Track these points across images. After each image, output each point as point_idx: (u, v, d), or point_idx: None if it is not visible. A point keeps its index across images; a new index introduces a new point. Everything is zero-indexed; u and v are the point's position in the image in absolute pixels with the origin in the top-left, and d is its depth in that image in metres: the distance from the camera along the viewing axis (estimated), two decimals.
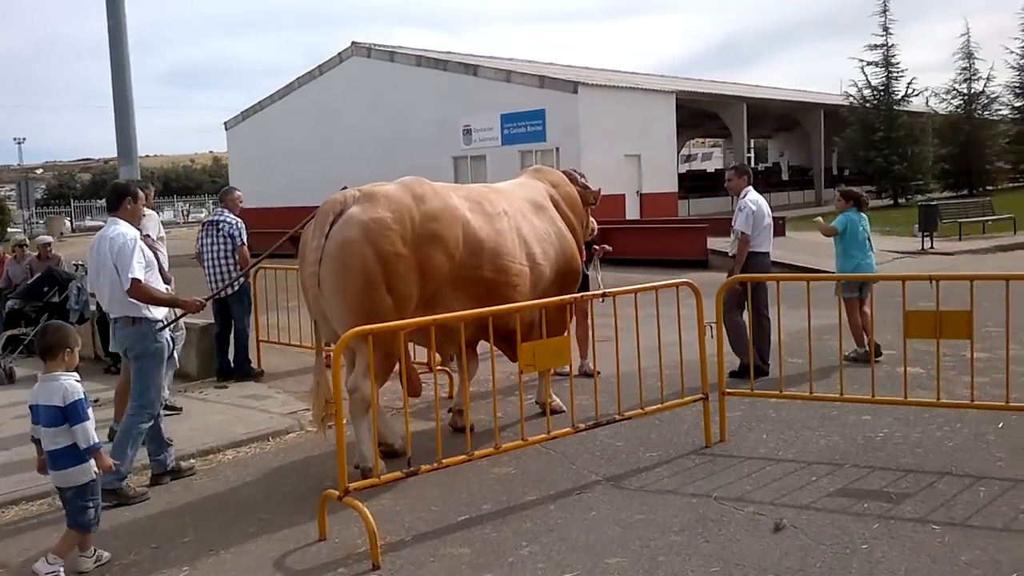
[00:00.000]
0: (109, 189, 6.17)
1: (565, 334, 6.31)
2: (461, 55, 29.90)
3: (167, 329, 5.99)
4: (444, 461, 5.03)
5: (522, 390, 5.92)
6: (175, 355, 6.15)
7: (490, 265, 6.17)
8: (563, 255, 6.88)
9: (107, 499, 5.50)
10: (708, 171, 46.85)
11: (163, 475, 5.92)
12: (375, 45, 28.97)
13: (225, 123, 33.93)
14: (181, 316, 5.84)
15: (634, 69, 43.25)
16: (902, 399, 5.89)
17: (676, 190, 27.34)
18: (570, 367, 6.47)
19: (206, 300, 5.97)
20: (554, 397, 7.18)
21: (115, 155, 9.57)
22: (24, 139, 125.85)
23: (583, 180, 7.81)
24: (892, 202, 32.59)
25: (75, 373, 4.63)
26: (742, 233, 7.93)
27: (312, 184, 25.58)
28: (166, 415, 6.26)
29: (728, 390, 6.32)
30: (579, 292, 8.82)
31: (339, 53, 29.52)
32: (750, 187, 8.19)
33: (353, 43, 29.09)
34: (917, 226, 19.79)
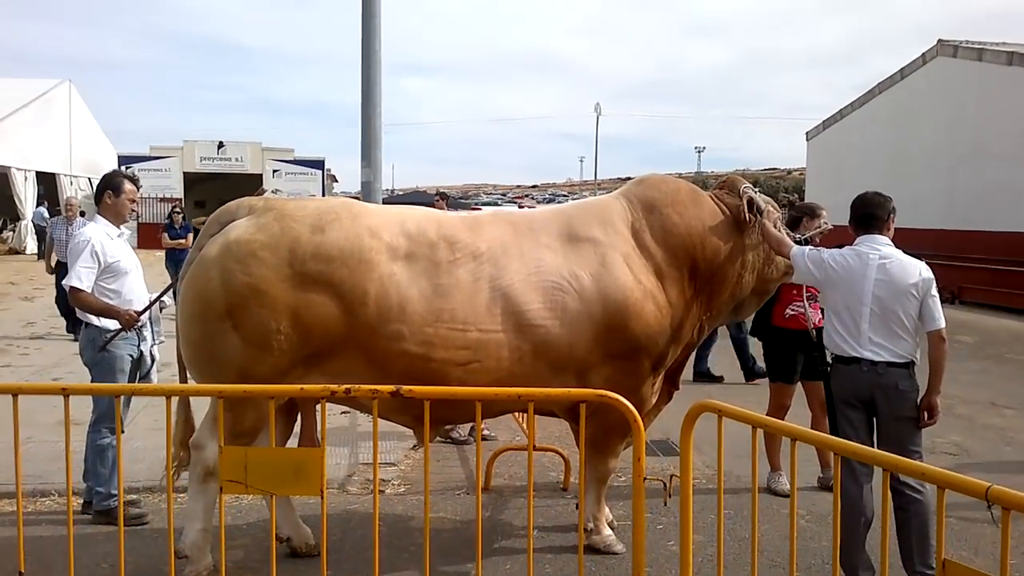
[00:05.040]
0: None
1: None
2: None
3: (147, 343, 5.52)
4: None
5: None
6: (152, 373, 5.60)
7: (416, 335, 4.42)
8: (602, 307, 4.68)
9: (100, 520, 5.30)
10: None
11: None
12: (964, 42, 24.26)
13: (806, 133, 31.98)
14: (115, 335, 5.26)
15: None
16: None
17: None
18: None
19: (139, 314, 5.32)
20: (604, 527, 4.98)
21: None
22: (704, 148, 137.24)
23: (749, 191, 5.19)
24: None
25: None
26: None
27: None
28: None
29: None
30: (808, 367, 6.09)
31: (923, 54, 25.46)
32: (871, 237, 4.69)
33: (939, 41, 24.76)
34: None
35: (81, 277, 5.19)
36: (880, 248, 4.59)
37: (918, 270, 4.50)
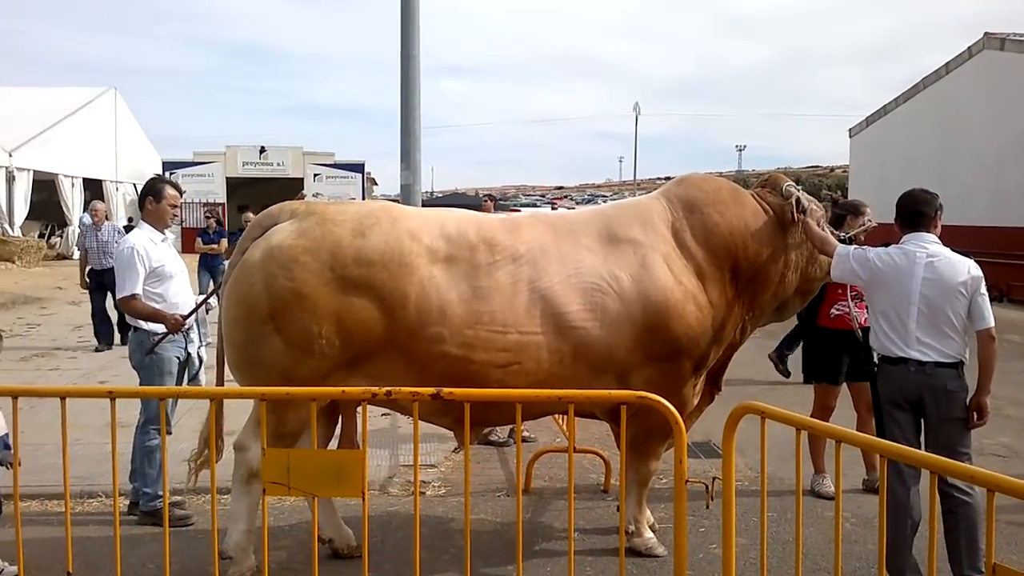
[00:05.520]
0: None
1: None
2: None
3: (194, 344, 5.60)
4: None
5: None
6: (200, 375, 5.69)
7: (456, 338, 4.43)
8: (642, 308, 4.65)
9: (146, 521, 5.39)
10: None
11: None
12: (1011, 35, 23.69)
13: (850, 130, 31.58)
14: (162, 338, 5.34)
15: None
16: None
17: None
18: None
19: (184, 317, 5.40)
20: (645, 530, 4.95)
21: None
22: (744, 146, 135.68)
23: (793, 190, 5.13)
24: None
25: None
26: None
27: None
28: None
29: None
30: (854, 367, 5.97)
31: (969, 47, 24.96)
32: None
33: (986, 34, 24.22)
34: None
35: (132, 285, 5.30)
36: (927, 246, 4.52)
37: (967, 268, 4.42)
